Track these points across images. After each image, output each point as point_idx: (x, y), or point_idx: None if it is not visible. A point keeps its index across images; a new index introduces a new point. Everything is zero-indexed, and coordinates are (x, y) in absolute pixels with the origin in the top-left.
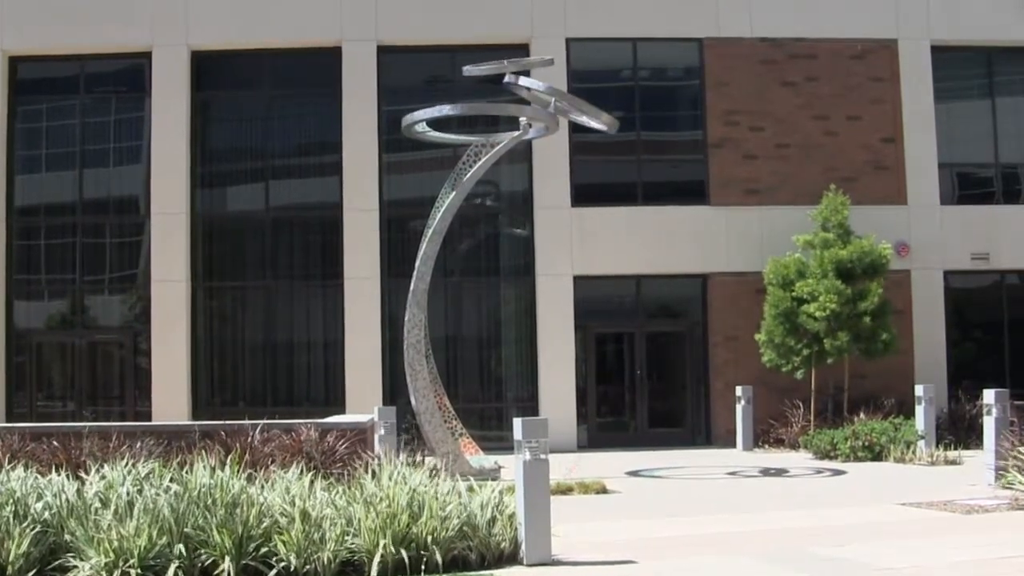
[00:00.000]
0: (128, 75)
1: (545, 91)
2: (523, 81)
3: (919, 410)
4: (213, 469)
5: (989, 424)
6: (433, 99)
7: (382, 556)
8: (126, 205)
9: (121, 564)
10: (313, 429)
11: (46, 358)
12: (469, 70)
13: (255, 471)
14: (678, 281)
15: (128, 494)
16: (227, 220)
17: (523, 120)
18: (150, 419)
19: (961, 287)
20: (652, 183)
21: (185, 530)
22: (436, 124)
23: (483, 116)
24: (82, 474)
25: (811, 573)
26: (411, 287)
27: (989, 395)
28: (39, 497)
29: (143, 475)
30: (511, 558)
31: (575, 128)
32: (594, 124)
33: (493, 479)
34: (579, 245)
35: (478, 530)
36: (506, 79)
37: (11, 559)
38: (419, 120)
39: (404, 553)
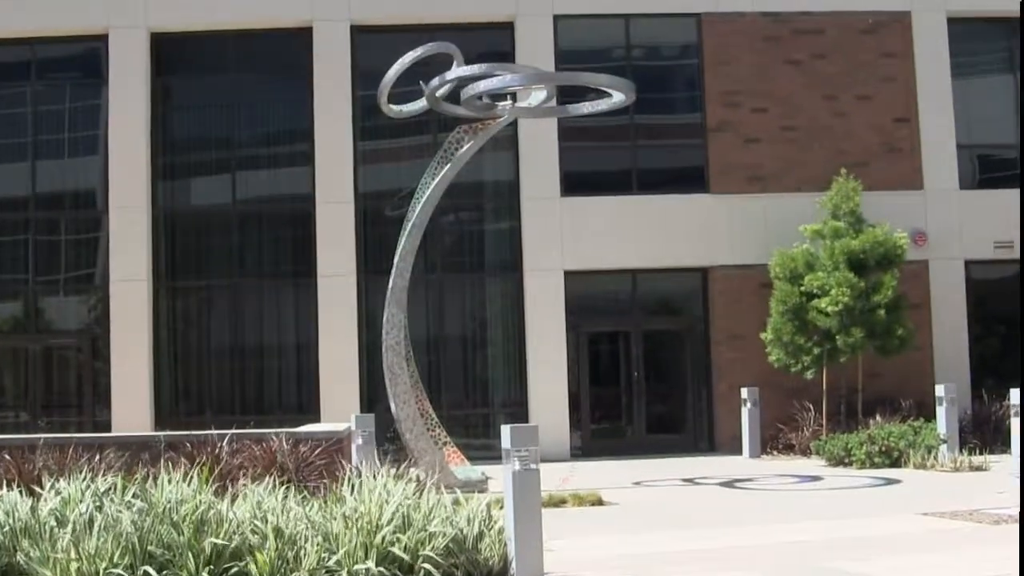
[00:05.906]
0: (83, 60)
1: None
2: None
3: (940, 412)
4: (179, 483)
5: (1016, 426)
6: (411, 82)
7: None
8: (82, 199)
9: None
10: (285, 439)
11: None
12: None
13: (225, 484)
14: (677, 275)
15: (87, 511)
16: (191, 214)
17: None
18: (110, 429)
19: (983, 278)
20: (647, 170)
21: (150, 549)
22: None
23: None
24: (37, 489)
25: None
26: (390, 285)
27: (1016, 395)
28: None
29: (103, 490)
30: (501, 575)
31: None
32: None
33: (480, 491)
34: (570, 238)
35: (465, 546)
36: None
37: None
38: (480, 90)
39: (387, 571)
